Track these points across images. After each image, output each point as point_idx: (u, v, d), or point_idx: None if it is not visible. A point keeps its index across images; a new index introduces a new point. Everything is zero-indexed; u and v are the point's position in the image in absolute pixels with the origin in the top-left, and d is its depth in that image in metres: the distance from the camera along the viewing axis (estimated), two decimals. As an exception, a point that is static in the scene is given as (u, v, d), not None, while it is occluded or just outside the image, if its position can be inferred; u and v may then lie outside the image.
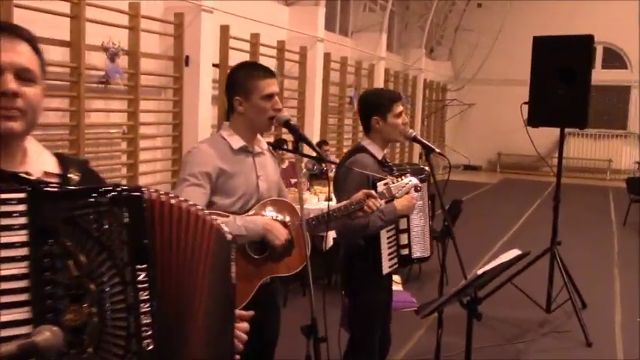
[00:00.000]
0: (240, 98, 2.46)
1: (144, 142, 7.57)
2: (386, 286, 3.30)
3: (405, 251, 3.17)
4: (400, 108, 3.16)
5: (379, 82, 14.48)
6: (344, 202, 2.73)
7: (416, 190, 2.96)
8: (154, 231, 1.08)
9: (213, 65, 8.48)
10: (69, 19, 6.17)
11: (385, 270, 3.11)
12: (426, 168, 3.25)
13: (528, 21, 17.83)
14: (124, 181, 7.37)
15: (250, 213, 2.50)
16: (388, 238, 3.11)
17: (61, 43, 6.19)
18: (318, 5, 11.29)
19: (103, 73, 6.58)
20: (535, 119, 5.29)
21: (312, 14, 11.24)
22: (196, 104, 8.05)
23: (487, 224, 10.51)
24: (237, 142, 2.52)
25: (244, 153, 2.53)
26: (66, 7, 6.16)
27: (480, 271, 2.43)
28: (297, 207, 2.59)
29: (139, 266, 1.05)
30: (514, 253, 2.62)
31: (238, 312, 1.36)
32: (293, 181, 7.56)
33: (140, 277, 1.04)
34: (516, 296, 5.52)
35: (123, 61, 6.96)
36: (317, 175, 7.94)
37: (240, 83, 2.46)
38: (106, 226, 1.00)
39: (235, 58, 8.96)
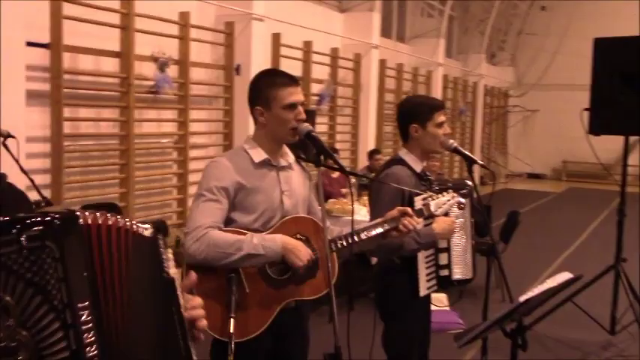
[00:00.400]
0: (261, 108, 2.32)
1: (194, 151, 7.56)
2: (424, 308, 3.07)
3: (445, 272, 2.93)
4: (442, 117, 2.95)
5: (437, 89, 14.17)
6: (376, 221, 2.52)
7: (459, 208, 2.73)
8: (94, 260, 0.94)
9: (265, 74, 8.41)
10: (119, 29, 6.20)
11: (423, 292, 2.88)
12: (469, 182, 3.01)
13: (594, 23, 17.08)
14: (174, 191, 7.40)
15: (270, 231, 2.34)
16: (426, 257, 2.89)
17: (111, 54, 6.23)
18: (373, 11, 11.11)
19: (152, 83, 6.60)
20: (597, 126, 4.95)
21: (366, 20, 11.07)
22: (247, 113, 7.91)
23: (548, 237, 10.04)
24: (258, 155, 2.36)
25: (267, 167, 2.38)
26: (116, 18, 6.19)
27: (523, 298, 2.19)
28: (327, 224, 2.42)
29: (80, 305, 0.90)
30: (564, 276, 2.36)
31: (185, 299, 1.16)
32: (344, 191, 7.39)
33: (83, 318, 0.90)
34: (577, 316, 5.16)
35: (173, 70, 6.97)
36: (367, 185, 7.72)
37: (261, 92, 2.32)
38: (37, 263, 0.85)
39: (287, 66, 8.89)
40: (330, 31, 9.93)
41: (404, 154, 3.03)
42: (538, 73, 18.48)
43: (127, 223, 1.02)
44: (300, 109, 2.33)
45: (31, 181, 4.34)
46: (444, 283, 2.95)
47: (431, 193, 2.66)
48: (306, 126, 2.32)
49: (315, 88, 9.67)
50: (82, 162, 6.16)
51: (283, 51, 8.72)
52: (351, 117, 11.08)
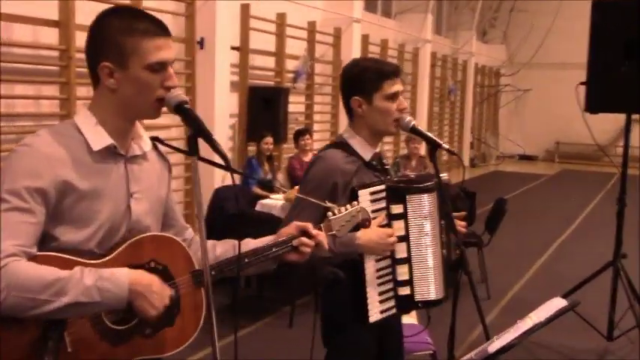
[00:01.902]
0: (111, 65, 1.58)
1: (149, 133, 6.86)
2: (387, 329, 2.40)
3: (405, 290, 2.25)
4: (396, 87, 2.27)
5: (425, 66, 13.49)
6: (267, 239, 1.85)
7: (363, 226, 2.04)
8: None
9: (232, 48, 7.71)
10: (57, -4, 5.49)
11: (373, 317, 2.22)
12: (445, 175, 2.36)
13: (590, -2, 16.39)
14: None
15: (110, 257, 1.60)
16: (379, 270, 2.23)
17: (48, 23, 5.51)
18: (355, -17, 10.38)
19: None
20: (594, 104, 4.29)
21: (347, -7, 10.33)
22: (212, 91, 7.30)
23: (540, 224, 9.42)
24: (99, 138, 1.61)
25: (111, 157, 1.64)
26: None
27: (496, 345, 1.54)
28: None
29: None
30: (556, 305, 1.72)
31: None
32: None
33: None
34: (571, 320, 4.52)
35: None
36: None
37: (111, 41, 1.58)
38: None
39: (258, 40, 8.20)
40: (306, 3, 9.19)
41: (348, 136, 2.37)
42: (530, 52, 17.73)
43: None
44: (171, 70, 1.62)
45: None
46: (405, 304, 2.27)
47: (336, 206, 1.94)
48: (177, 95, 1.60)
49: (291, 64, 8.96)
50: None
51: (253, 23, 8.00)
52: (331, 96, 10.39)
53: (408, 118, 2.25)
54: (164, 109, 1.66)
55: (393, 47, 12.35)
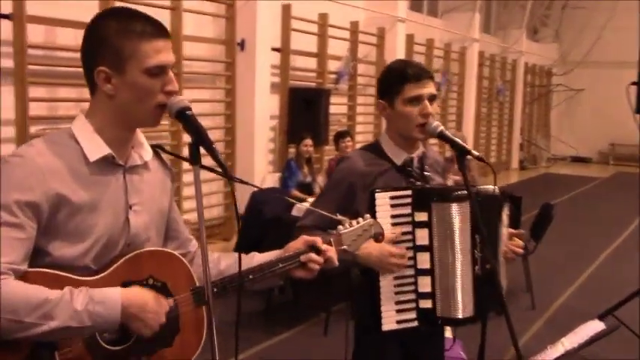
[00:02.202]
0: (108, 70, 1.49)
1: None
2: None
3: (427, 304, 2.12)
4: (418, 90, 2.12)
5: (472, 66, 13.21)
6: (273, 254, 1.74)
7: (376, 240, 1.90)
8: None
9: (273, 49, 7.66)
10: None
11: (386, 326, 2.11)
12: (490, 187, 2.19)
13: (647, -6, 15.75)
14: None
15: (105, 274, 1.50)
16: (398, 278, 2.11)
17: (77, 25, 5.54)
18: (399, -18, 10.20)
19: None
20: (647, 105, 4.04)
21: (391, -8, 10.15)
22: (252, 93, 7.26)
23: (590, 230, 9.04)
24: (96, 147, 1.51)
25: (109, 167, 1.54)
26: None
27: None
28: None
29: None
30: (593, 329, 1.55)
31: None
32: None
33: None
34: (624, 338, 4.27)
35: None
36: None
37: (108, 43, 1.49)
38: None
39: (300, 41, 8.12)
40: (349, 2, 9.06)
41: (382, 138, 2.29)
42: (584, 50, 17.19)
43: None
44: (171, 75, 1.52)
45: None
46: (427, 318, 2.13)
47: (343, 218, 1.82)
48: (180, 101, 1.50)
49: (333, 65, 8.86)
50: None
51: (295, 24, 7.93)
52: (374, 97, 10.22)
53: (435, 123, 2.10)
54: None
55: (439, 47, 12.11)
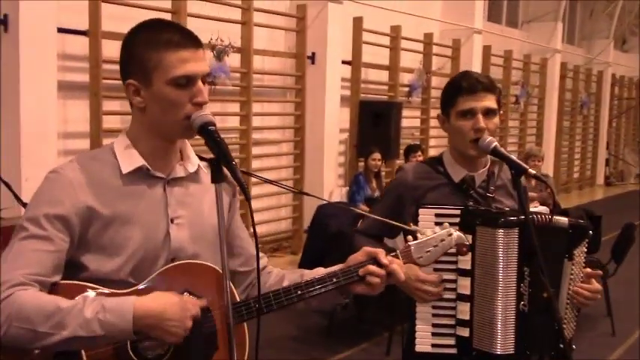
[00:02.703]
0: (136, 82, 1.46)
1: (259, 148, 6.91)
2: None
3: (465, 332, 1.96)
4: (470, 104, 1.97)
5: (554, 78, 12.72)
6: (333, 270, 1.61)
7: (459, 253, 1.79)
8: None
9: (344, 62, 7.61)
10: (169, 14, 5.64)
11: (419, 347, 1.99)
12: (557, 218, 1.98)
13: None
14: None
15: (136, 288, 1.45)
16: (438, 300, 1.98)
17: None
18: (476, -7, 9.95)
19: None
20: None
21: (467, 3, 9.91)
22: (322, 106, 7.24)
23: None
24: (130, 160, 1.49)
25: (145, 179, 1.50)
26: (166, 2, 5.64)
27: None
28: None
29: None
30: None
31: None
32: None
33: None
34: None
35: (234, 59, 6.35)
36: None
37: (135, 56, 1.47)
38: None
39: (371, 54, 8.05)
40: (423, 14, 8.91)
41: (445, 154, 2.16)
42: (677, 60, 16.25)
43: None
44: (201, 85, 1.44)
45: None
46: (464, 347, 1.97)
47: (417, 228, 1.70)
48: (204, 115, 1.43)
49: (405, 78, 8.72)
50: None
51: (366, 37, 7.85)
52: (448, 110, 10.00)
53: (489, 138, 1.94)
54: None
55: (518, 58, 11.73)
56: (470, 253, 1.92)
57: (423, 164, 2.22)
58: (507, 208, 2.03)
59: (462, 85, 1.99)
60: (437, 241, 1.67)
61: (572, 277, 1.96)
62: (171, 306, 1.39)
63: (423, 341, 1.99)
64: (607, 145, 15.95)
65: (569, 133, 14.09)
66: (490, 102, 2.01)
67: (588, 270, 2.01)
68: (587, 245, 2.00)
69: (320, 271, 1.64)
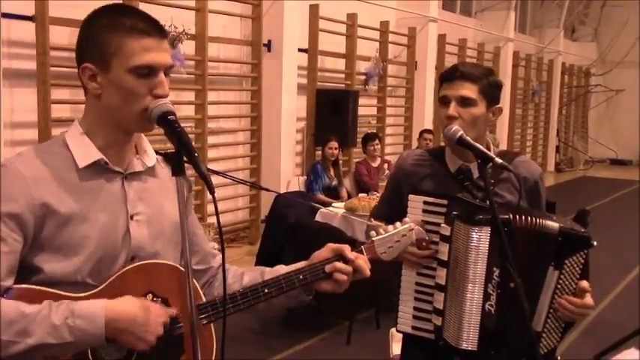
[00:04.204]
0: (93, 66, 1.37)
1: (215, 137, 6.79)
2: None
3: (438, 321, 1.97)
4: (443, 91, 1.99)
5: (506, 67, 12.89)
6: (298, 266, 1.58)
7: (419, 248, 1.80)
8: None
9: (300, 50, 7.54)
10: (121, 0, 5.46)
11: (401, 327, 2.06)
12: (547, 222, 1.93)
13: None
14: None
15: (97, 290, 1.38)
16: (418, 284, 2.00)
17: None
18: (431, -18, 9.99)
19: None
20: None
21: (422, -9, 9.95)
22: (279, 95, 7.16)
23: (631, 235, 8.69)
24: (86, 153, 1.40)
25: (103, 173, 1.42)
26: (117, -13, 5.46)
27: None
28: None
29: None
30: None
31: None
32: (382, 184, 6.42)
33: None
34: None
35: (189, 47, 6.21)
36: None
37: (95, 40, 1.38)
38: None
39: (327, 42, 7.99)
40: (379, 2, 8.89)
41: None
42: (624, 50, 16.68)
43: None
44: (162, 77, 1.37)
45: None
46: (438, 336, 1.98)
47: (378, 224, 1.68)
48: (162, 104, 1.36)
49: (362, 66, 8.69)
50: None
51: (322, 24, 7.79)
52: (404, 98, 10.05)
53: (455, 127, 1.92)
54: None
55: (472, 47, 11.86)
56: (447, 245, 1.92)
57: (423, 151, 2.25)
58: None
59: (443, 74, 2.00)
60: (399, 236, 1.68)
61: (559, 286, 1.91)
62: (144, 311, 1.33)
63: (404, 322, 2.04)
64: (557, 133, 16.32)
65: (521, 120, 14.35)
66: (467, 91, 1.98)
67: (584, 283, 1.92)
68: (585, 256, 1.92)
69: (281, 269, 1.59)
